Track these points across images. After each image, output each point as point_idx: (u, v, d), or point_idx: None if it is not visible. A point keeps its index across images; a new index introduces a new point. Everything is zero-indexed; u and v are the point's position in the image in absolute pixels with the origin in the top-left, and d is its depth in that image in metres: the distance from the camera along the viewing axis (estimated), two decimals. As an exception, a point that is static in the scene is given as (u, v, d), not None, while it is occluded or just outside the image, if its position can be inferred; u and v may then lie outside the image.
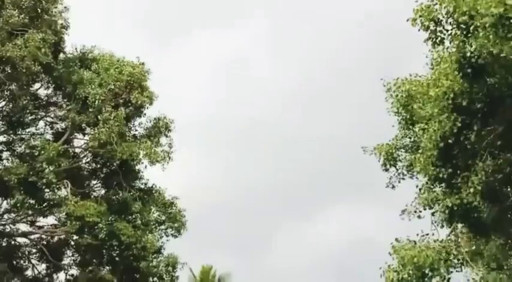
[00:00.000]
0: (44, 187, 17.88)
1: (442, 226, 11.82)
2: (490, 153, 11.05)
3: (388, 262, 11.16)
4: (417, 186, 12.19)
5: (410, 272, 10.60)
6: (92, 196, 19.86)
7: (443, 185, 11.52)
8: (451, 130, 10.84)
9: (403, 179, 13.24)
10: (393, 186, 13.45)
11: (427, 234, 11.56)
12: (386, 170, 13.18)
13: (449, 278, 11.08)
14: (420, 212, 12.40)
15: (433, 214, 12.04)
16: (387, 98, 13.09)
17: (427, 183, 11.84)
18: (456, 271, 11.40)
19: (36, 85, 20.20)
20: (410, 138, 12.95)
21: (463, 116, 10.80)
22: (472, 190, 10.81)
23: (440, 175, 11.10)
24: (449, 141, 10.93)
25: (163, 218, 20.30)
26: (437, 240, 11.60)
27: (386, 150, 13.00)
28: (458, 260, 11.37)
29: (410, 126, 12.74)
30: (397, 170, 13.22)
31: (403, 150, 13.10)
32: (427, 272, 10.82)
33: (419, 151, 11.74)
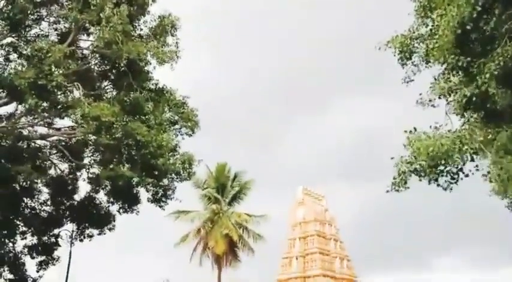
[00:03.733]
0: (55, 90, 17.75)
1: (458, 115, 11.68)
2: (509, 38, 10.57)
3: (401, 154, 11.21)
4: (433, 76, 11.85)
5: (423, 162, 10.68)
6: (104, 98, 19.85)
7: (460, 73, 11.17)
8: (471, 15, 10.29)
9: (419, 71, 12.74)
10: (410, 80, 12.93)
11: (441, 125, 11.49)
12: (404, 64, 12.66)
13: (461, 167, 11.20)
14: (435, 100, 12.23)
15: (448, 103, 11.87)
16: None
17: (443, 72, 11.49)
18: (471, 161, 11.46)
19: (33, -17, 19.28)
20: (427, 26, 12.30)
21: (484, -1, 10.16)
22: (488, 76, 10.52)
23: (459, 63, 10.70)
24: (468, 27, 10.42)
25: (176, 118, 20.48)
26: (451, 130, 11.55)
27: (401, 41, 12.45)
28: (472, 148, 11.39)
29: (428, 13, 12.06)
30: (413, 62, 12.70)
31: (418, 41, 12.52)
32: (440, 161, 10.90)
33: (436, 36, 11.25)
